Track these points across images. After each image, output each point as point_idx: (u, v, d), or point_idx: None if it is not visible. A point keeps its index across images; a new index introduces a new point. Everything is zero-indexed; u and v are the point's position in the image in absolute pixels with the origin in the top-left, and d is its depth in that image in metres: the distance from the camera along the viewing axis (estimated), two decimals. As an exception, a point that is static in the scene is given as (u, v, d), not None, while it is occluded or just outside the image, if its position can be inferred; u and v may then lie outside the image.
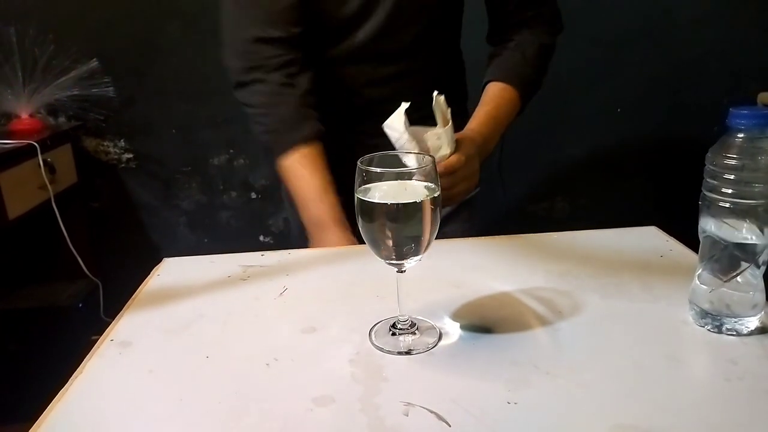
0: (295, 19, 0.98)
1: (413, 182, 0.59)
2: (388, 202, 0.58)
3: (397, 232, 0.59)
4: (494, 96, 1.04)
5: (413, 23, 1.03)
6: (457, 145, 0.88)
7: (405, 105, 0.82)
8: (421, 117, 0.84)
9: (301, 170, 0.98)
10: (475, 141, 0.93)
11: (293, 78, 0.98)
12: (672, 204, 1.78)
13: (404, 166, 0.64)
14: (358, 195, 0.59)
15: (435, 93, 0.83)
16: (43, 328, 1.74)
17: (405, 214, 0.58)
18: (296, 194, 0.99)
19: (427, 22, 1.04)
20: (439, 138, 0.85)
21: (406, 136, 0.82)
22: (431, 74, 1.09)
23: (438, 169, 0.70)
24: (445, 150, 0.86)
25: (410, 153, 0.73)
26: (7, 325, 1.76)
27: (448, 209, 1.11)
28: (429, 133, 0.84)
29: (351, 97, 1.07)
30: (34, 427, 0.54)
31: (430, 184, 0.59)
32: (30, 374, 1.28)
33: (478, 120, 1.00)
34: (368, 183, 0.59)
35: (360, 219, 0.60)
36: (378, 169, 0.58)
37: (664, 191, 2.19)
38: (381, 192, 0.59)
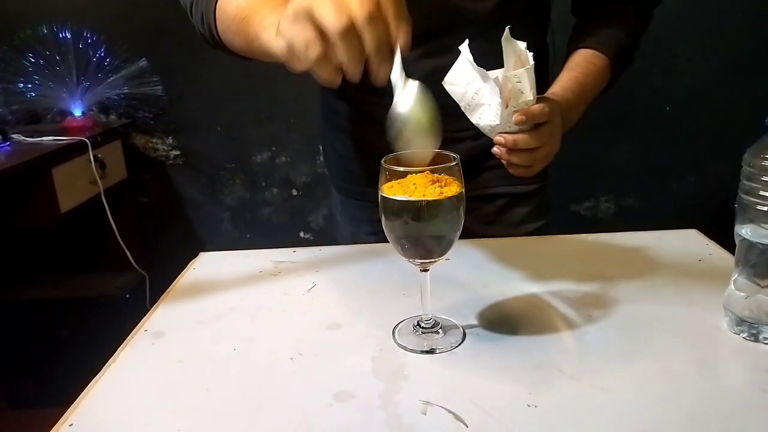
0: None
1: None
2: (412, 200, 0.58)
3: (420, 231, 0.59)
4: (582, 61, 0.87)
5: None
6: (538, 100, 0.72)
7: (465, 48, 0.68)
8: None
9: None
10: (558, 104, 0.77)
11: None
12: (722, 206, 1.70)
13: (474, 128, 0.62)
14: (382, 193, 0.59)
15: (507, 28, 0.65)
16: (92, 316, 1.82)
17: (428, 212, 0.58)
18: (243, 14, 0.76)
19: None
20: (520, 80, 0.66)
21: (474, 86, 0.68)
22: None
23: (516, 120, 0.67)
24: (528, 95, 0.67)
25: (483, 104, 0.66)
26: (59, 313, 1.84)
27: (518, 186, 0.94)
28: (508, 74, 0.67)
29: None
30: (69, 411, 0.56)
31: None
32: (78, 361, 1.34)
33: (561, 84, 0.84)
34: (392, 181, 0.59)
35: (383, 217, 0.60)
36: (402, 168, 0.58)
37: (715, 192, 2.10)
38: (404, 190, 0.59)
